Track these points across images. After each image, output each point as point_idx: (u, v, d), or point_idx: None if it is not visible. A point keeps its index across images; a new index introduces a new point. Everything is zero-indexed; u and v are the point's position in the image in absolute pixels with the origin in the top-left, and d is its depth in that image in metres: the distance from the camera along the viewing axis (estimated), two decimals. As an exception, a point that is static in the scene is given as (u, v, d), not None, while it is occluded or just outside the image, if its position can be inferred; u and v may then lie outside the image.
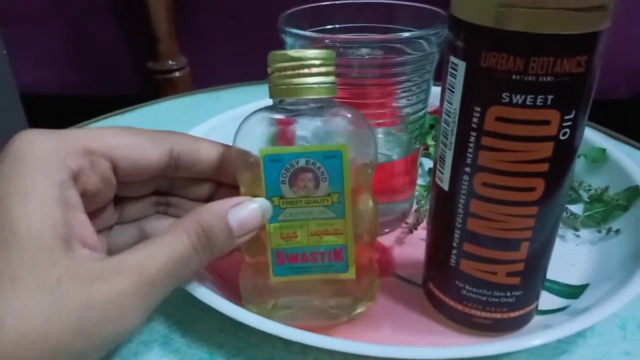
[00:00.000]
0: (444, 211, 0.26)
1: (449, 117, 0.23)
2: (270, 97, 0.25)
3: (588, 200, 0.38)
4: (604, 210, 0.36)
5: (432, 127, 0.47)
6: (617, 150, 0.40)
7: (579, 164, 0.41)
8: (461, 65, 0.22)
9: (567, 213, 0.37)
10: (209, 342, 0.28)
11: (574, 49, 0.20)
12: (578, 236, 0.36)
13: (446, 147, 0.24)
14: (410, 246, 0.35)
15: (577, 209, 0.38)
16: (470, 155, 0.23)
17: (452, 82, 0.23)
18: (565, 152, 0.22)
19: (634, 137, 0.51)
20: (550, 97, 0.21)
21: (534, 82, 0.20)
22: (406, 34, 0.30)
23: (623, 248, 0.33)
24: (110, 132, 0.25)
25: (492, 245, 0.24)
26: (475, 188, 0.23)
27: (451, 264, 0.26)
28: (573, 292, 0.31)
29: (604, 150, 0.40)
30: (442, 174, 0.25)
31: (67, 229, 0.21)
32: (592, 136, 0.42)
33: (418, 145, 0.36)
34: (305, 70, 0.23)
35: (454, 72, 0.23)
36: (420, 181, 0.42)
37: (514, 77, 0.20)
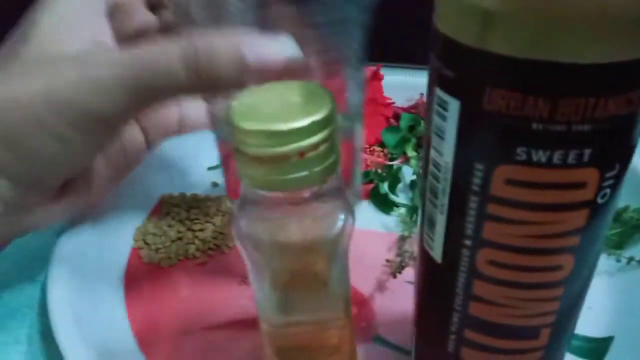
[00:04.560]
0: (437, 288, 0.19)
1: (438, 170, 0.17)
2: (248, 185, 0.17)
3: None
4: (621, 232, 0.30)
5: (412, 128, 0.40)
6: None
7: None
8: (453, 105, 0.15)
9: (576, 235, 0.31)
10: None
11: (623, 82, 0.13)
12: (593, 265, 0.30)
13: (436, 208, 0.18)
14: (395, 292, 0.29)
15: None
16: (471, 226, 0.16)
17: (440, 125, 0.16)
18: (602, 216, 0.16)
19: None
20: (587, 151, 0.14)
21: (564, 133, 0.14)
22: None
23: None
24: None
25: (502, 335, 0.18)
26: (479, 266, 0.17)
27: (449, 350, 0.20)
28: (595, 348, 0.25)
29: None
30: (432, 240, 0.18)
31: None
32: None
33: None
34: (296, 159, 0.16)
35: (442, 111, 0.16)
36: (402, 198, 0.36)
37: (534, 126, 0.14)
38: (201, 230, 0.35)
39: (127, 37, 0.27)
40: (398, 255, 0.30)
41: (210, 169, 0.42)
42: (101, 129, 0.24)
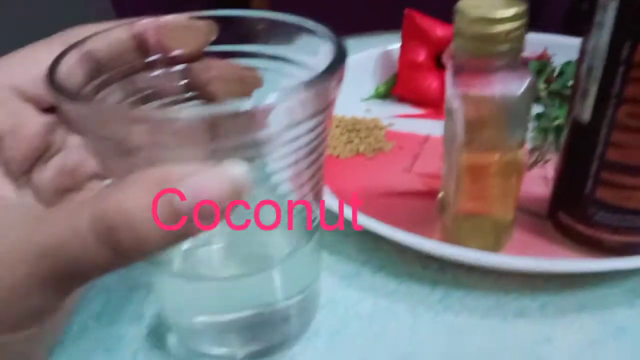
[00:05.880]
0: (582, 143, 0.28)
1: (597, 52, 0.25)
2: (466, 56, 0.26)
3: None
4: None
5: (539, 72, 0.48)
6: None
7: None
8: (612, 3, 0.23)
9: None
10: (355, 260, 0.32)
11: None
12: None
13: (590, 81, 0.26)
14: (532, 181, 0.37)
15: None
16: (617, 88, 0.25)
17: (601, 19, 0.24)
18: None
19: None
20: None
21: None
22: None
23: None
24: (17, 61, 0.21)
25: (628, 173, 0.26)
26: (619, 119, 0.25)
27: (586, 192, 0.28)
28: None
29: None
30: (583, 107, 0.27)
31: None
32: None
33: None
34: (502, 37, 0.24)
35: (604, 9, 0.24)
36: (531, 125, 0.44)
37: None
38: (366, 137, 0.45)
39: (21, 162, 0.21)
40: (534, 155, 0.38)
41: (363, 100, 0.51)
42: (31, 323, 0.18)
